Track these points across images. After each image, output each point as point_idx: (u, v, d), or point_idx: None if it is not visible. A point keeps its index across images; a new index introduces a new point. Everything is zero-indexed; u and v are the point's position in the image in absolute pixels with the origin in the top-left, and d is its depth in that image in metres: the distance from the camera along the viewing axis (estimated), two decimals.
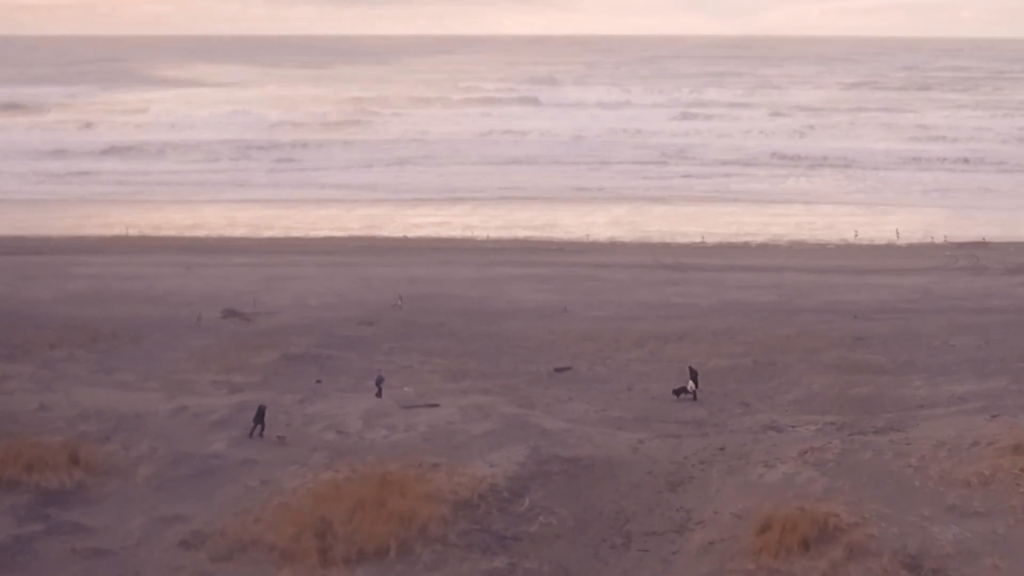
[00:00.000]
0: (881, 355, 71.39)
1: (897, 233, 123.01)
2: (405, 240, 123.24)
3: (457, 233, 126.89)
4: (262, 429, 53.07)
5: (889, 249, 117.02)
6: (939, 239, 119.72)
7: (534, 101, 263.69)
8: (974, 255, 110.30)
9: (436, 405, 57.84)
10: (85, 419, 54.31)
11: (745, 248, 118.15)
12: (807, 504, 42.42)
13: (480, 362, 71.14)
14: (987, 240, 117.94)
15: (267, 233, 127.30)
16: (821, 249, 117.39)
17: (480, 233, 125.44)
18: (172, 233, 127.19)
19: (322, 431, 53.21)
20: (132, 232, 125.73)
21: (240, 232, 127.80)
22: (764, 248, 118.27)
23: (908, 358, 70.16)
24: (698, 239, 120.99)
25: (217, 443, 51.62)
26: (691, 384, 62.41)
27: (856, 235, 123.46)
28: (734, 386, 64.53)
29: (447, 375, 68.13)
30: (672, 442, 52.22)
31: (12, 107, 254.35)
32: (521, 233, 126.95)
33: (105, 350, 72.61)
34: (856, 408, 59.64)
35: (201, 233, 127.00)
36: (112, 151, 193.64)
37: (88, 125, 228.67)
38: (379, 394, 59.75)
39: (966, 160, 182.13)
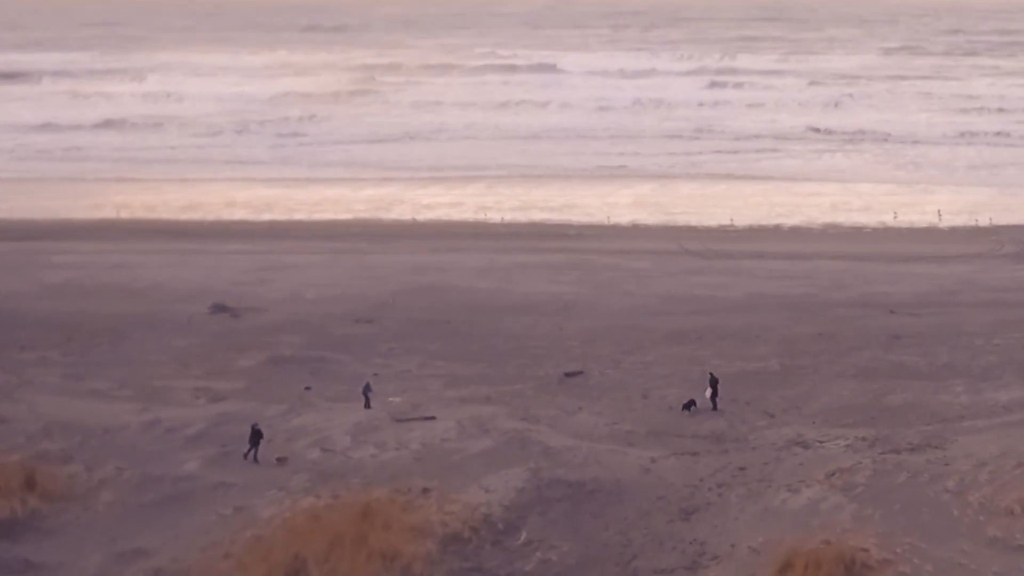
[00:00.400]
0: (918, 356, 68.68)
1: (939, 214, 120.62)
2: (413, 224, 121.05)
3: (469, 216, 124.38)
4: (256, 453, 51.18)
5: (930, 233, 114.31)
6: (984, 221, 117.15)
7: (555, 69, 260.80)
8: (1021, 240, 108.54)
9: (432, 418, 55.93)
10: (48, 434, 52.58)
11: (776, 232, 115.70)
12: (833, 536, 40.31)
13: (485, 365, 68.81)
14: None
15: (266, 216, 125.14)
16: (857, 233, 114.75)
17: (494, 216, 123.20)
18: (166, 216, 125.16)
19: (306, 448, 51.28)
20: (123, 215, 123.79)
21: (238, 215, 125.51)
22: (796, 232, 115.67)
23: (948, 360, 67.53)
24: (726, 221, 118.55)
25: (190, 462, 49.76)
26: (709, 391, 60.29)
27: (895, 217, 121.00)
28: (758, 393, 62.07)
29: (448, 381, 65.89)
30: (688, 461, 50.13)
31: (3, 76, 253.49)
32: (538, 215, 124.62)
33: (79, 352, 70.63)
34: (890, 419, 57.43)
35: (197, 215, 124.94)
36: (107, 124, 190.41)
37: (82, 96, 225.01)
38: (367, 404, 57.81)
39: (1011, 134, 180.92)
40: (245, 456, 50.48)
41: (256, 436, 50.95)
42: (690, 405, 59.12)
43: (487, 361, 70.72)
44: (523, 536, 42.19)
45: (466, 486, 45.52)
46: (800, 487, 44.82)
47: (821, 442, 51.84)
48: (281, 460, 50.55)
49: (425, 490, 45.06)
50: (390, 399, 59.41)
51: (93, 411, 56.16)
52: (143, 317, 79.22)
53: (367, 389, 57.98)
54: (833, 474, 45.40)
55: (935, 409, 58.80)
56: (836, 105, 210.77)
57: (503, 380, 66.34)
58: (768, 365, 67.78)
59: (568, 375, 66.49)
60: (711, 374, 61.07)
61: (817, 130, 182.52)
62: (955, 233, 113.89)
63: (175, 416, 55.25)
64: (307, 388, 63.45)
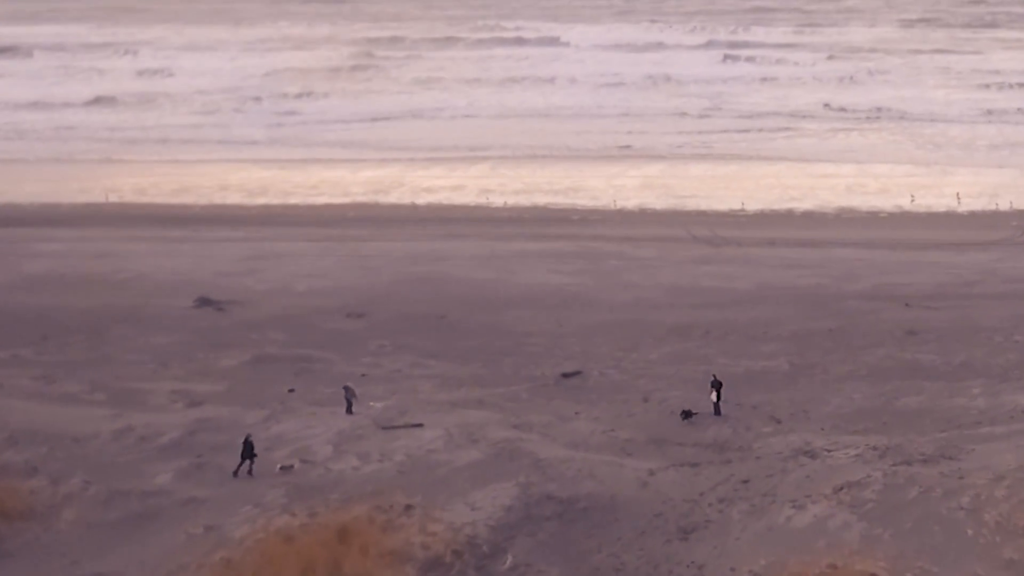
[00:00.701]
0: (935, 354, 66.92)
1: (958, 198, 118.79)
2: (412, 208, 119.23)
3: (471, 199, 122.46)
4: (251, 467, 48.70)
5: (948, 218, 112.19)
6: (1004, 205, 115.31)
7: (561, 42, 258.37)
8: None
9: (419, 425, 54.33)
10: (13, 444, 50.84)
11: (788, 217, 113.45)
12: (840, 559, 38.50)
13: (479, 365, 67.07)
14: None
15: (260, 199, 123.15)
16: (873, 218, 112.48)
17: (496, 199, 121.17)
18: (156, 200, 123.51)
19: (285, 459, 49.35)
20: (112, 198, 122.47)
21: (231, 199, 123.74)
22: (809, 217, 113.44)
23: (965, 358, 65.67)
24: (737, 206, 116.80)
25: (162, 475, 47.93)
26: (713, 395, 58.45)
27: (912, 200, 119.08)
28: (765, 396, 60.04)
29: (440, 383, 63.85)
30: (688, 473, 48.33)
31: None
32: (541, 199, 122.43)
33: (54, 351, 69.19)
34: (903, 426, 55.54)
35: (188, 199, 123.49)
36: (98, 102, 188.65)
37: (75, 70, 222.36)
38: (349, 410, 56.00)
39: None
40: (235, 473, 47.95)
41: (249, 449, 48.82)
42: (688, 414, 57.41)
43: (482, 360, 69.12)
44: (509, 560, 40.34)
45: (451, 503, 43.83)
46: (806, 503, 43.15)
47: (829, 451, 49.92)
48: (286, 469, 48.58)
49: (408, 507, 43.42)
50: (371, 404, 57.65)
51: (63, 417, 54.47)
52: (124, 312, 77.80)
53: (349, 394, 56.21)
54: (841, 488, 43.67)
55: (951, 414, 56.89)
56: (852, 80, 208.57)
57: (498, 381, 64.60)
58: (776, 364, 65.72)
59: (566, 376, 64.61)
60: (714, 376, 59.19)
61: (833, 107, 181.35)
62: (974, 218, 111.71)
63: (149, 423, 53.52)
64: (290, 390, 61.96)
